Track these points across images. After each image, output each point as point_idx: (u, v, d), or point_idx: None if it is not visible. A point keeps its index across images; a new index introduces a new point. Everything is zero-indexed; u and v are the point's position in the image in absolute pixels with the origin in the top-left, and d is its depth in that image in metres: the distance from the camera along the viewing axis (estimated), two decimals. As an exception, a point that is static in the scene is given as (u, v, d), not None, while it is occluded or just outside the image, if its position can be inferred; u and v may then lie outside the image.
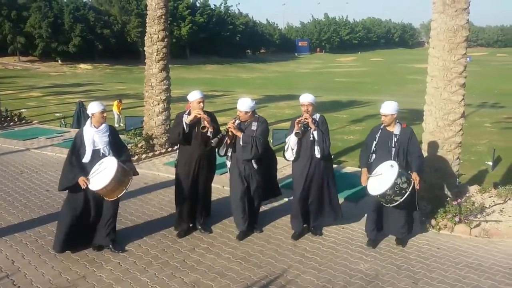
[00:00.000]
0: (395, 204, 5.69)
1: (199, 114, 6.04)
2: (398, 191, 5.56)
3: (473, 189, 8.38)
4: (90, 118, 5.67)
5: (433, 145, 7.56)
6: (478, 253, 5.95)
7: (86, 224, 5.70)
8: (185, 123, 6.10)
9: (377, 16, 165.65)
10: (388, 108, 5.90)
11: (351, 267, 5.52)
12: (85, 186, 5.41)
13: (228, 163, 6.36)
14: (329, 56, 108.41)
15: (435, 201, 7.15)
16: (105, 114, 5.68)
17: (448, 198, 7.48)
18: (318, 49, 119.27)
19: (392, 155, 5.88)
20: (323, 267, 5.51)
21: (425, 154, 7.74)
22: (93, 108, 5.61)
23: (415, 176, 5.72)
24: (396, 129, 5.95)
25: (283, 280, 5.20)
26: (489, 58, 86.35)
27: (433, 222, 6.80)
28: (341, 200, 7.63)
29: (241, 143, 6.08)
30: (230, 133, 6.11)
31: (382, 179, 5.69)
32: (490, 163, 15.71)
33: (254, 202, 6.35)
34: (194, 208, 6.40)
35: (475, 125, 21.67)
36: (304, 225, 6.40)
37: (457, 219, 6.68)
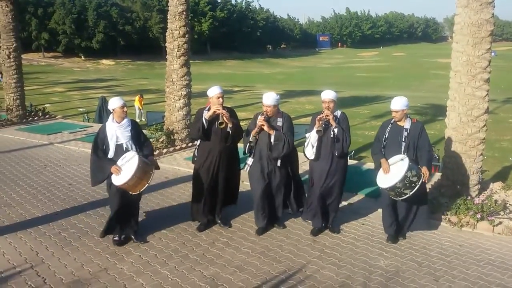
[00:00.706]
0: (404, 197, 5.69)
1: (218, 109, 6.05)
2: (408, 184, 5.57)
3: (496, 185, 8.25)
4: (111, 113, 5.74)
5: (456, 141, 7.44)
6: (502, 251, 5.84)
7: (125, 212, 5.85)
8: (205, 118, 6.12)
9: (399, 10, 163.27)
10: (398, 103, 5.88)
11: (370, 263, 5.49)
12: (118, 173, 5.48)
13: (250, 160, 6.28)
14: (350, 51, 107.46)
15: (457, 197, 7.05)
16: (125, 109, 5.74)
17: (471, 195, 7.39)
18: (339, 44, 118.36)
19: (402, 149, 5.88)
20: (343, 263, 5.49)
21: (448, 150, 7.65)
22: (114, 103, 5.68)
23: (424, 170, 5.74)
24: (406, 124, 5.95)
25: (302, 275, 5.20)
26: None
27: (455, 219, 6.71)
28: (361, 197, 7.63)
29: (272, 140, 6.03)
30: (258, 130, 6.05)
31: (392, 172, 5.71)
32: (515, 160, 15.40)
33: (276, 199, 6.32)
34: (213, 202, 6.42)
35: (499, 121, 21.28)
36: (323, 224, 6.35)
37: (479, 216, 6.58)
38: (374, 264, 5.46)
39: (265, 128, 6.00)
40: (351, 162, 10.33)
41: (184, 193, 7.93)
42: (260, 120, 6.04)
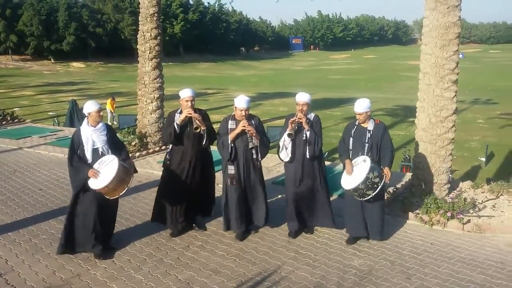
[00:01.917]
0: (367, 198, 5.79)
1: (189, 113, 5.97)
2: (370, 185, 5.66)
3: (465, 185, 8.46)
4: (86, 117, 5.60)
5: (426, 141, 7.60)
6: (471, 248, 5.99)
7: (92, 225, 5.56)
8: (176, 123, 6.03)
9: (370, 13, 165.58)
10: (362, 106, 5.96)
11: (345, 263, 5.55)
12: (97, 176, 5.34)
13: (231, 168, 6.04)
14: (323, 54, 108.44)
15: (427, 197, 7.19)
16: (101, 113, 5.62)
17: (441, 194, 7.56)
18: (311, 47, 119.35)
19: (366, 150, 5.96)
20: (317, 263, 5.54)
21: (417, 150, 7.81)
22: (90, 107, 5.54)
23: (386, 171, 5.84)
24: (370, 125, 6.03)
25: (277, 276, 5.22)
26: (482, 54, 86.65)
27: (426, 217, 6.84)
28: (334, 197, 7.70)
29: (254, 143, 5.97)
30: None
31: (354, 173, 5.80)
32: (483, 159, 15.83)
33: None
34: (188, 206, 6.29)
35: (468, 121, 21.81)
36: (299, 226, 6.32)
37: (449, 214, 6.73)
38: (348, 263, 5.53)
39: (251, 131, 5.88)
40: (325, 163, 10.42)
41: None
42: (245, 123, 5.90)
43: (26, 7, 61.68)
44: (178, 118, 6.05)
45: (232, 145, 5.94)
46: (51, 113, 21.78)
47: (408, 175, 9.41)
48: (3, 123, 14.91)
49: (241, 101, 6.01)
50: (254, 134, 5.90)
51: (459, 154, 15.07)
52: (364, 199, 5.82)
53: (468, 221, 6.77)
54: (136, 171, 5.80)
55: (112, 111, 21.71)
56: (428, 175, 7.65)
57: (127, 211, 7.26)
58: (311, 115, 6.21)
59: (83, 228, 5.55)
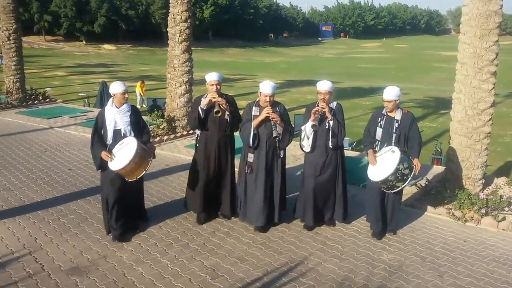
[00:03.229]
0: (396, 190, 5.61)
1: (213, 97, 5.82)
2: (400, 177, 5.47)
3: (500, 181, 8.18)
4: (111, 98, 5.58)
5: (461, 134, 7.34)
6: (506, 247, 5.77)
7: (117, 207, 5.57)
8: (201, 108, 5.91)
9: (403, 2, 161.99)
10: (391, 93, 5.73)
11: (374, 257, 5.41)
12: (110, 159, 5.31)
13: (251, 157, 5.84)
14: (353, 42, 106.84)
15: (461, 192, 6.97)
16: (126, 95, 5.56)
17: (475, 190, 7.32)
18: (342, 34, 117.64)
19: (393, 141, 5.76)
20: (345, 256, 5.42)
21: (452, 143, 7.56)
22: (115, 88, 5.50)
23: (416, 162, 5.63)
24: (397, 115, 5.81)
25: (304, 267, 5.13)
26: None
27: (459, 213, 6.63)
28: (363, 189, 7.52)
29: (277, 131, 5.72)
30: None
31: (383, 165, 5.59)
32: (517, 155, 15.33)
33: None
34: (215, 194, 6.20)
35: (502, 116, 21.13)
36: (315, 219, 6.10)
37: (483, 211, 6.50)
38: (377, 258, 5.39)
39: (276, 119, 5.65)
40: (352, 154, 10.25)
41: (184, 181, 7.75)
42: (269, 110, 5.67)
43: (59, -12, 62.48)
44: (203, 102, 5.94)
45: (255, 132, 5.76)
46: (81, 94, 22.03)
47: (438, 168, 9.18)
48: (35, 102, 15.15)
49: (266, 87, 5.78)
50: (278, 122, 5.68)
51: (492, 148, 14.58)
52: (393, 191, 5.64)
53: (503, 218, 6.52)
54: (154, 157, 5.69)
55: (142, 94, 21.85)
56: (462, 169, 7.40)
57: (154, 193, 7.26)
58: (333, 104, 5.97)
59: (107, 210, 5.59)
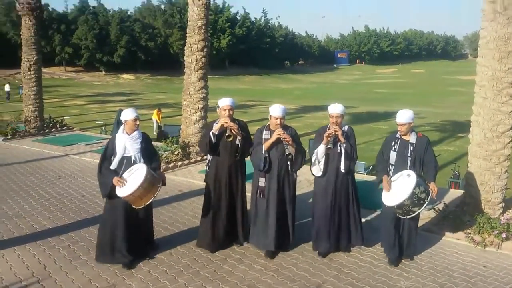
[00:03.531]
0: (412, 215, 5.39)
1: (225, 122, 5.75)
2: (416, 201, 5.26)
3: (521, 204, 7.91)
4: (123, 125, 5.56)
5: (480, 157, 7.16)
6: (529, 274, 5.52)
7: (126, 234, 5.49)
8: (212, 133, 5.84)
9: (419, 28, 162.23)
10: (404, 117, 5.61)
11: (390, 284, 5.21)
12: (122, 184, 5.24)
13: (262, 181, 5.75)
14: (368, 68, 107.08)
15: (480, 216, 6.75)
16: (138, 122, 5.53)
17: (494, 214, 7.08)
18: (357, 61, 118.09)
19: (408, 165, 5.58)
20: (361, 283, 5.22)
21: (470, 167, 7.38)
22: (127, 115, 5.50)
23: (433, 186, 5.43)
24: (412, 138, 5.66)
25: (318, 295, 4.96)
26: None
27: (478, 238, 6.40)
28: (379, 213, 7.35)
29: (290, 152, 5.64)
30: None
31: (398, 189, 5.39)
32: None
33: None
34: (230, 224, 6.03)
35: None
36: (329, 246, 5.90)
37: (504, 235, 6.28)
38: (394, 285, 5.19)
39: (287, 139, 5.57)
40: (367, 178, 10.08)
41: (197, 207, 7.73)
42: (280, 131, 5.60)
43: (81, 23, 64.37)
44: (214, 127, 5.88)
45: (266, 155, 5.67)
46: (99, 122, 22.35)
47: (456, 192, 8.95)
48: (52, 130, 15.35)
49: (276, 109, 5.73)
50: (290, 142, 5.59)
51: (510, 171, 14.28)
52: (409, 216, 5.41)
53: (525, 243, 6.28)
54: (164, 184, 5.59)
55: (158, 121, 22.09)
56: (481, 193, 7.19)
57: (166, 220, 7.18)
58: (345, 127, 5.86)
59: (112, 238, 5.48)
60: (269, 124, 5.85)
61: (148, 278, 5.29)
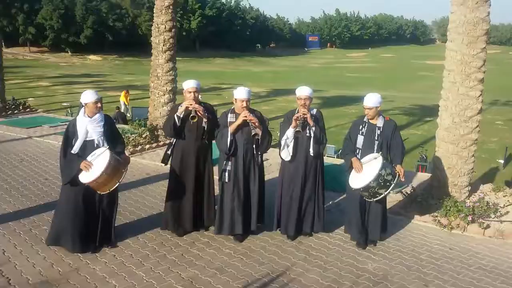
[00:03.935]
0: (379, 198, 5.35)
1: (190, 104, 5.57)
2: (382, 183, 5.22)
3: (486, 187, 8.09)
4: (83, 107, 5.24)
5: (448, 142, 7.25)
6: (493, 255, 5.63)
7: (86, 222, 5.25)
8: (177, 115, 5.63)
9: (388, 12, 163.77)
10: (372, 100, 5.57)
11: (358, 266, 5.23)
12: (90, 168, 4.98)
13: (229, 165, 5.61)
14: (339, 52, 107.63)
15: (447, 199, 6.84)
16: (99, 104, 5.22)
17: (461, 197, 7.21)
18: (328, 44, 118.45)
19: (375, 148, 5.57)
20: (329, 265, 5.23)
21: (438, 150, 7.46)
22: (87, 97, 5.17)
23: (399, 169, 5.42)
24: (379, 122, 5.64)
25: (286, 278, 4.93)
26: (502, 56, 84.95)
27: (445, 221, 6.49)
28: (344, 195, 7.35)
29: (255, 134, 5.50)
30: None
31: (364, 171, 5.38)
32: (502, 161, 15.40)
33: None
34: (196, 209, 5.88)
35: (486, 123, 21.23)
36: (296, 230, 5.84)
37: (470, 218, 6.38)
38: (361, 267, 5.21)
39: (254, 120, 5.44)
40: (337, 161, 10.13)
41: (164, 190, 7.54)
42: (246, 113, 5.47)
43: (45, 2, 62.06)
44: (179, 110, 5.68)
45: (231, 138, 5.55)
46: (65, 104, 21.73)
47: (423, 175, 9.08)
48: (15, 112, 14.82)
49: (241, 92, 5.59)
50: (256, 124, 5.47)
51: (476, 155, 14.65)
52: (375, 199, 5.37)
53: (488, 226, 6.41)
54: (126, 170, 5.28)
55: (126, 103, 21.68)
56: (448, 176, 7.29)
57: (132, 203, 7.02)
58: (314, 111, 5.77)
59: (71, 226, 5.21)
60: (234, 108, 5.72)
61: (113, 262, 5.15)
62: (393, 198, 7.21)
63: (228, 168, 5.61)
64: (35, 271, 4.89)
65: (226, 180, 5.62)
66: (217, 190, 6.01)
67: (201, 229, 6.03)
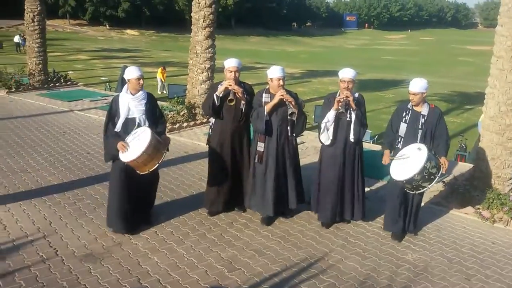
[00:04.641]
0: (422, 190, 5.18)
1: (229, 85, 5.51)
2: (427, 176, 4.99)
3: (530, 181, 7.82)
4: (126, 84, 5.27)
5: (493, 131, 7.01)
6: (537, 252, 5.48)
7: (133, 199, 5.30)
8: (216, 95, 5.59)
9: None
10: (418, 85, 5.29)
11: (397, 256, 5.18)
12: (125, 150, 5.00)
13: (260, 145, 5.58)
14: (377, 33, 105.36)
15: (490, 191, 6.67)
16: (141, 81, 5.21)
17: (504, 190, 7.00)
18: (366, 25, 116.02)
19: (419, 138, 5.34)
20: (368, 254, 5.19)
21: (482, 140, 7.24)
22: (130, 73, 5.17)
23: (443, 161, 5.19)
24: (424, 110, 5.38)
25: (324, 264, 4.93)
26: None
27: (487, 214, 6.34)
28: (385, 183, 7.27)
29: (292, 115, 5.47)
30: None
31: (408, 163, 5.14)
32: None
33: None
34: (232, 191, 5.90)
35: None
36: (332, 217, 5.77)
37: (514, 212, 6.20)
38: (401, 257, 5.15)
39: (290, 99, 5.37)
40: (374, 147, 9.98)
41: (203, 169, 7.66)
42: (282, 92, 5.36)
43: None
44: (218, 89, 5.64)
45: (267, 118, 5.48)
46: (103, 78, 22.07)
47: (463, 165, 8.86)
48: (57, 85, 15.15)
49: (276, 71, 5.49)
50: (293, 103, 5.39)
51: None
52: (418, 192, 5.20)
53: (533, 220, 6.23)
54: (168, 150, 5.31)
55: (163, 80, 21.83)
56: (491, 167, 7.08)
57: (172, 181, 7.13)
58: (356, 94, 5.58)
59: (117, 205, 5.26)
60: (268, 87, 5.64)
61: (155, 238, 5.26)
62: (433, 187, 7.06)
63: (261, 149, 5.57)
64: (80, 244, 5.04)
65: (258, 161, 5.59)
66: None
67: (238, 210, 6.07)
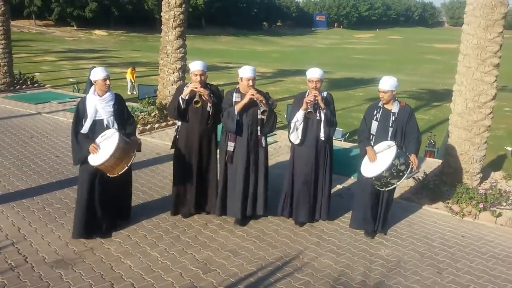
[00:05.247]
0: (390, 187, 5.25)
1: (195, 87, 5.44)
2: (395, 173, 5.09)
3: (497, 175, 8.08)
4: (93, 85, 5.15)
5: (461, 127, 7.20)
6: (506, 244, 5.64)
7: (102, 203, 5.17)
8: (181, 97, 5.52)
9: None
10: (388, 83, 5.36)
11: (371, 252, 5.25)
12: (96, 152, 4.90)
13: (231, 145, 5.54)
14: (346, 32, 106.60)
15: (459, 186, 6.83)
16: (108, 82, 5.09)
17: (472, 184, 7.19)
18: (335, 24, 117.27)
19: (389, 135, 5.40)
20: (341, 250, 5.24)
21: (451, 136, 7.42)
22: (96, 74, 5.05)
23: (413, 158, 5.26)
24: (394, 107, 5.45)
25: (299, 262, 4.95)
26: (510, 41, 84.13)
27: (456, 208, 6.49)
28: (355, 180, 7.33)
29: (261, 114, 5.42)
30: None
31: (378, 160, 5.25)
32: (510, 149, 15.31)
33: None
34: (199, 192, 5.82)
35: (495, 109, 21.13)
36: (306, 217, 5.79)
37: (481, 206, 6.37)
38: (374, 253, 5.22)
39: (261, 98, 5.34)
40: (345, 144, 10.10)
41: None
42: (253, 91, 5.36)
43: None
44: (184, 92, 5.55)
45: (238, 118, 5.45)
46: (71, 80, 21.60)
47: (431, 161, 9.05)
48: (23, 87, 14.78)
49: (246, 71, 5.46)
50: (264, 102, 5.37)
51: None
52: (387, 189, 5.28)
53: (500, 214, 6.40)
54: (139, 150, 5.24)
55: (133, 80, 21.54)
56: (460, 163, 7.26)
57: (144, 183, 7.04)
58: (324, 93, 5.62)
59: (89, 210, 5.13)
60: (238, 87, 5.61)
61: (127, 242, 5.18)
62: (404, 183, 7.18)
63: (230, 149, 5.54)
64: (50, 250, 4.92)
65: (229, 161, 5.55)
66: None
67: (203, 213, 5.98)
